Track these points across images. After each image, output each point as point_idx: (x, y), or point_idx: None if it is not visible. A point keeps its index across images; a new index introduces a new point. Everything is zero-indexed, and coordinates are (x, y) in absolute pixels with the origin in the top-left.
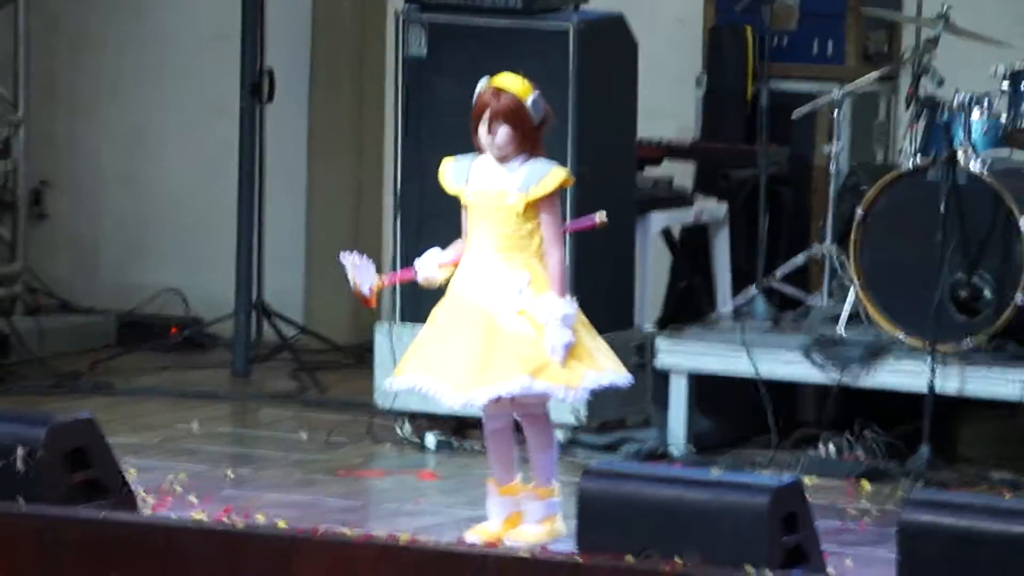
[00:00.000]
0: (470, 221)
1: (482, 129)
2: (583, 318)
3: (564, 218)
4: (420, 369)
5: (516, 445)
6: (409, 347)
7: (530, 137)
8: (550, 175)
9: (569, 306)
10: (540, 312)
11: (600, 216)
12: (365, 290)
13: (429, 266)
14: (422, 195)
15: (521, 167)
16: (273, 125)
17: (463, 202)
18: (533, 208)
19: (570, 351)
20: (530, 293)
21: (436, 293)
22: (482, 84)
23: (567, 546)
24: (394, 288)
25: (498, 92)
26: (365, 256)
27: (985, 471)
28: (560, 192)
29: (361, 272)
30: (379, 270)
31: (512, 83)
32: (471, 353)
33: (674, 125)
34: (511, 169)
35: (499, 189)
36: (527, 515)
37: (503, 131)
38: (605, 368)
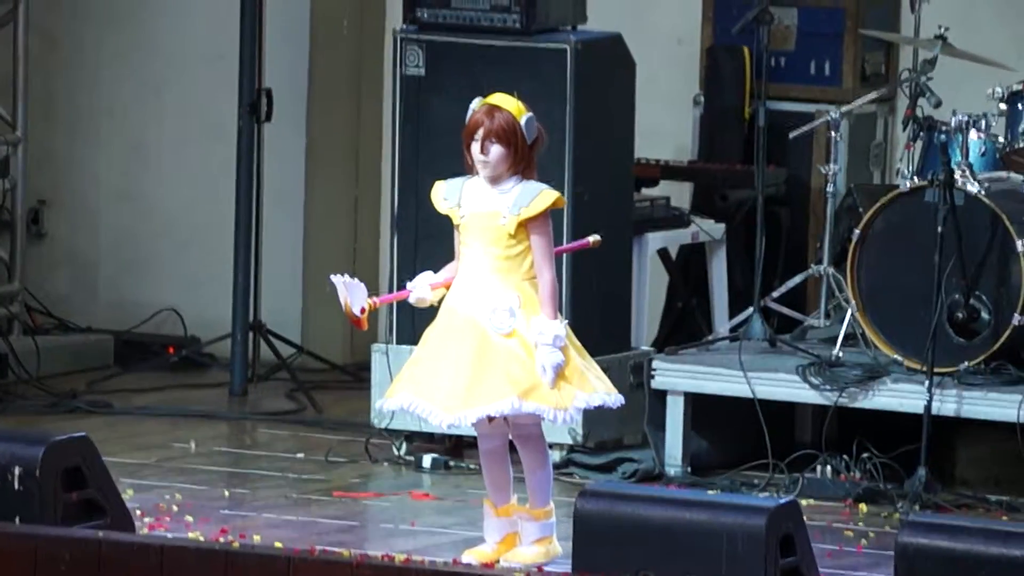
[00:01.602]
0: (462, 242)
1: (475, 147)
2: (574, 340)
3: (561, 238)
4: (411, 389)
5: (512, 465)
6: (403, 367)
7: (523, 157)
8: (541, 196)
9: (560, 327)
10: (531, 333)
11: (594, 238)
12: (356, 311)
13: (422, 287)
14: (419, 214)
15: (513, 188)
16: (271, 144)
17: (454, 223)
18: (524, 229)
19: (560, 372)
20: (521, 314)
21: (432, 314)
22: (475, 103)
23: (563, 567)
24: (390, 309)
25: (492, 111)
26: (356, 278)
27: (982, 493)
28: (553, 213)
29: (352, 293)
30: (376, 288)
31: (507, 102)
32: (461, 374)
33: (671, 145)
34: (503, 191)
35: (491, 210)
36: (523, 536)
37: (496, 150)
38: (595, 389)
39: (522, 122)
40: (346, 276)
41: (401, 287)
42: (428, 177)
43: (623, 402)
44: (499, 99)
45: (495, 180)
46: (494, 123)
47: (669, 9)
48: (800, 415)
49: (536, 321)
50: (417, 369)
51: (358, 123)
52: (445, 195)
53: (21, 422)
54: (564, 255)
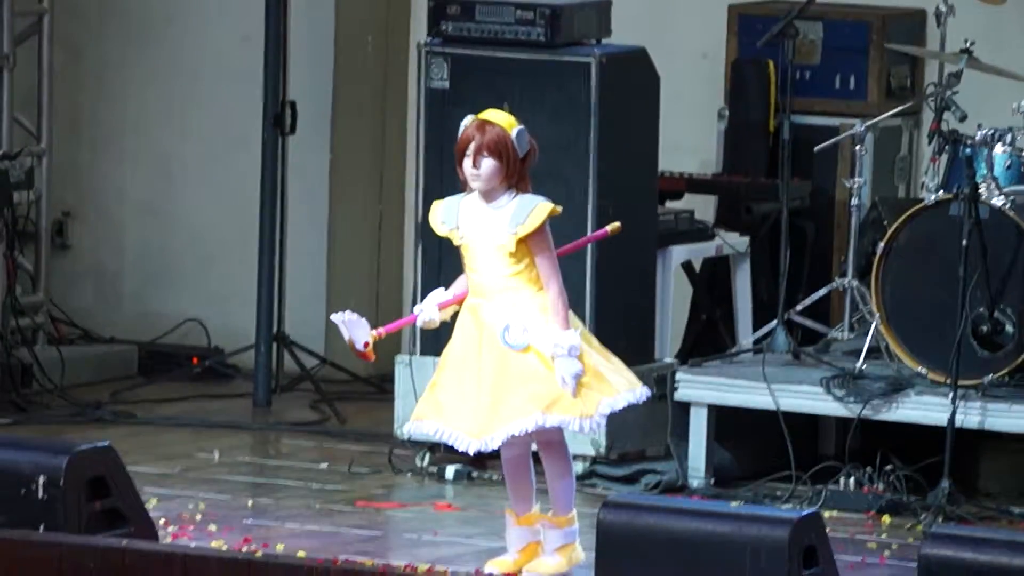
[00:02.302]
0: (466, 263)
1: (467, 163)
2: (593, 340)
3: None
4: (436, 416)
5: (535, 475)
6: (424, 391)
7: (515, 170)
8: (536, 210)
9: (573, 337)
10: (546, 346)
11: (612, 226)
12: (360, 346)
13: (429, 309)
14: None
15: (507, 204)
16: (295, 157)
17: (455, 244)
18: (525, 245)
19: (580, 380)
20: (534, 329)
21: (453, 326)
22: (466, 120)
23: None
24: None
25: (483, 126)
26: (356, 313)
27: (1006, 506)
28: (568, 226)
29: (354, 329)
30: (400, 303)
31: (497, 117)
32: (483, 396)
33: (696, 159)
34: (498, 207)
35: (489, 231)
36: (546, 544)
37: (488, 164)
38: (618, 391)
39: (513, 135)
40: (346, 313)
41: (415, 306)
42: (452, 190)
43: (649, 394)
44: (490, 114)
45: (489, 195)
46: (485, 137)
47: (694, 23)
48: (824, 427)
49: (549, 333)
50: (440, 394)
51: (383, 136)
52: (443, 218)
53: (45, 431)
54: (594, 260)
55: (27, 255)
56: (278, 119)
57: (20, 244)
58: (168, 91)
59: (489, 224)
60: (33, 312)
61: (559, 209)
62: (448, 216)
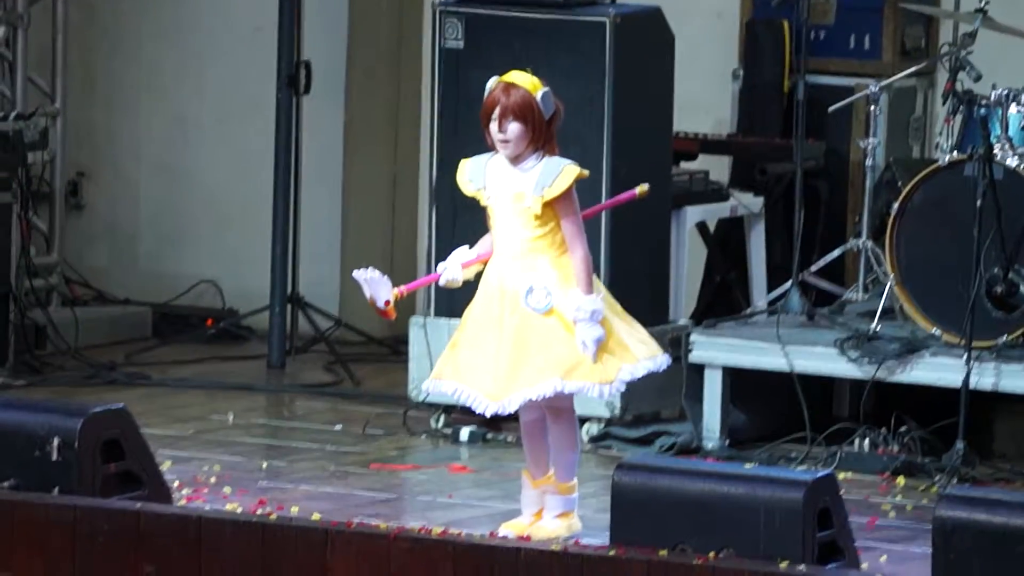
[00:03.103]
0: (491, 223)
1: (493, 127)
2: (615, 305)
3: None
4: (454, 376)
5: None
6: (444, 350)
7: (541, 133)
8: (563, 173)
9: (597, 302)
10: (568, 310)
11: (641, 188)
12: (381, 304)
13: (452, 268)
14: (457, 188)
15: (534, 167)
16: (309, 117)
17: (482, 204)
18: (550, 208)
19: (602, 345)
20: (559, 291)
21: (471, 287)
22: (492, 82)
23: (601, 539)
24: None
25: (508, 89)
26: (379, 271)
27: (1020, 467)
28: (592, 188)
29: (376, 287)
30: (414, 263)
31: (522, 79)
32: (502, 358)
33: (710, 119)
34: (524, 169)
35: (515, 191)
36: (547, 508)
37: (514, 127)
38: (638, 358)
39: (538, 97)
40: (368, 271)
41: (440, 262)
42: (467, 151)
43: (670, 362)
44: (514, 76)
45: (516, 157)
46: (510, 100)
47: None
48: (838, 389)
49: (572, 297)
50: (459, 354)
51: (397, 96)
52: (470, 176)
53: (59, 393)
54: (608, 219)
55: (41, 216)
56: (292, 79)
57: (34, 205)
58: (183, 50)
59: (515, 185)
60: (47, 273)
61: (586, 173)
62: (475, 175)
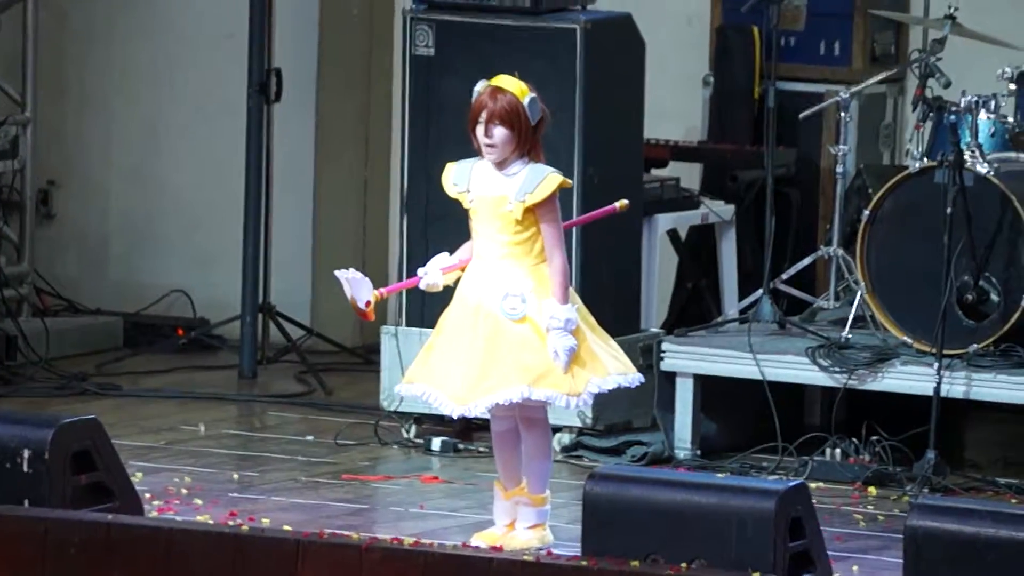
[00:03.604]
0: (473, 226)
1: (479, 131)
2: (589, 319)
3: (573, 215)
4: (425, 378)
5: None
6: (418, 353)
7: (527, 138)
8: (546, 180)
9: (571, 312)
10: (542, 319)
11: (621, 203)
12: (361, 304)
13: (433, 273)
14: (429, 195)
15: (519, 173)
16: (280, 124)
17: (464, 207)
18: (532, 214)
19: (573, 357)
20: (533, 299)
21: (443, 297)
22: (480, 86)
23: (572, 550)
24: (400, 293)
25: (495, 93)
26: (360, 271)
27: (991, 476)
28: (561, 193)
29: (357, 287)
30: (385, 271)
31: (510, 84)
32: (473, 362)
33: (681, 126)
34: (509, 174)
35: (498, 195)
36: (519, 519)
37: (500, 132)
38: (609, 372)
39: (525, 103)
40: (350, 271)
41: (412, 270)
42: (438, 158)
43: (642, 380)
44: (502, 81)
45: (501, 164)
46: (497, 105)
47: None
48: (809, 397)
49: (547, 305)
50: (431, 357)
51: (368, 103)
52: (455, 179)
53: (30, 404)
54: (579, 227)
55: (12, 225)
56: (263, 87)
57: (4, 214)
58: (153, 57)
59: (499, 190)
60: (18, 283)
61: (569, 182)
62: (460, 178)
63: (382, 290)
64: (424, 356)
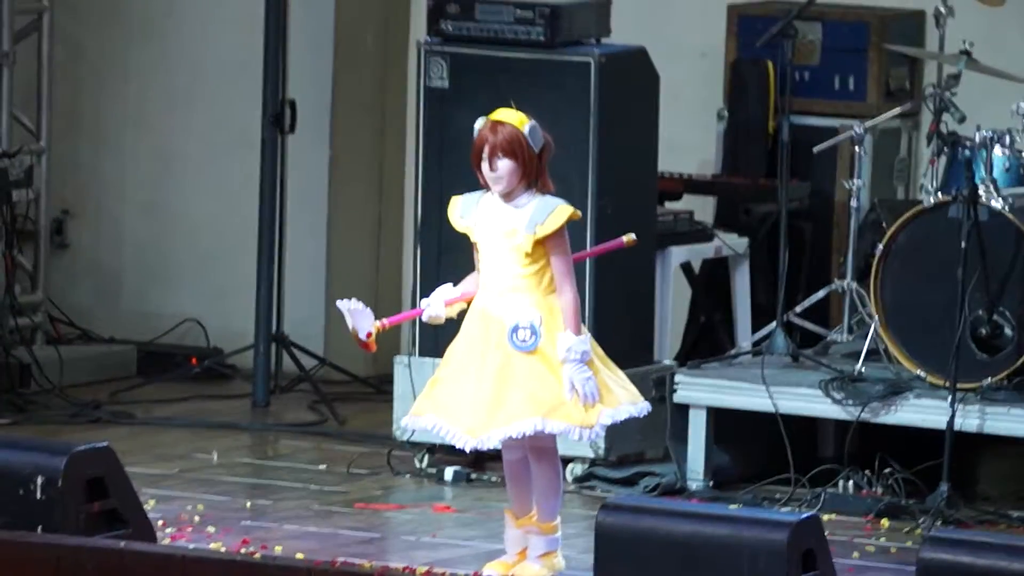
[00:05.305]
0: (480, 259)
1: (484, 166)
2: (599, 350)
3: (586, 247)
4: (434, 410)
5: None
6: (426, 386)
7: (532, 167)
8: (556, 212)
9: (585, 343)
10: (554, 350)
11: (628, 237)
12: (363, 336)
13: (436, 304)
14: (442, 227)
15: (527, 204)
16: (295, 156)
17: (472, 240)
18: (541, 246)
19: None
20: (544, 331)
21: (456, 326)
22: (479, 123)
23: None
24: (413, 321)
25: (495, 126)
26: (362, 302)
27: (1004, 509)
28: (575, 227)
29: (358, 318)
30: (399, 301)
31: (508, 116)
32: (483, 395)
33: (695, 159)
34: (518, 206)
35: (507, 228)
36: (530, 549)
37: (504, 164)
38: (620, 402)
39: (525, 131)
40: (351, 301)
41: (425, 299)
42: (451, 190)
43: (650, 409)
44: (501, 114)
45: (509, 195)
46: (498, 138)
47: (693, 23)
48: (822, 430)
49: (561, 338)
50: (440, 389)
51: (382, 135)
52: (461, 212)
53: (44, 432)
54: (592, 259)
55: (26, 254)
56: (278, 118)
57: (19, 243)
58: (168, 88)
59: (508, 222)
60: (32, 312)
61: (579, 214)
62: (467, 211)
63: (384, 321)
64: (431, 389)
